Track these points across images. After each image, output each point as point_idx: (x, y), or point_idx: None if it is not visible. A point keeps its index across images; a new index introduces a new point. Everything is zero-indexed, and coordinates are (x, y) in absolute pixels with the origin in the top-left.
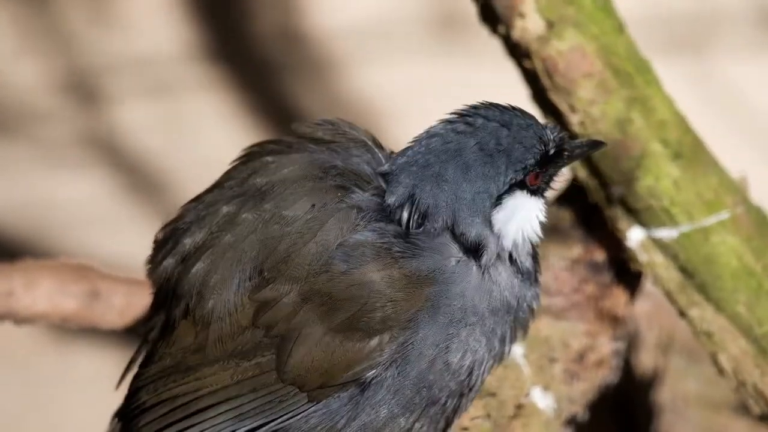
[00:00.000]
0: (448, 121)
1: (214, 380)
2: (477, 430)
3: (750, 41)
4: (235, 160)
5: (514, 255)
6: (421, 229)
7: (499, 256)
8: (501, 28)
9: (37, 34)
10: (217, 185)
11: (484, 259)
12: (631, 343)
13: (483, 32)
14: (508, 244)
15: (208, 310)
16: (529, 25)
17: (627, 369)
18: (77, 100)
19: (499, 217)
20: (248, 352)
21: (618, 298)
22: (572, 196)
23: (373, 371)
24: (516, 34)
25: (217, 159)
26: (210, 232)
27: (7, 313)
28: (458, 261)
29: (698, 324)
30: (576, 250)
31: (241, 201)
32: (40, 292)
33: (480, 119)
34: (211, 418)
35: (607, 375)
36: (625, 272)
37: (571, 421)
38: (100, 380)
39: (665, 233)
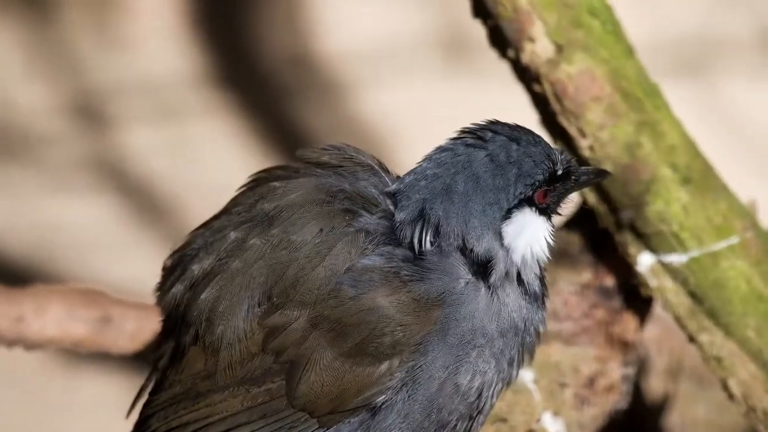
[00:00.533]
0: (457, 137)
1: (224, 407)
2: None
3: (756, 66)
4: (242, 186)
5: (523, 274)
6: (432, 247)
7: (507, 274)
8: (510, 52)
9: (45, 58)
10: (225, 211)
11: (493, 278)
12: (641, 368)
13: (491, 55)
14: (517, 259)
15: (218, 337)
16: (539, 48)
17: (637, 394)
18: (84, 124)
19: (509, 230)
20: (258, 378)
21: (628, 324)
22: (582, 220)
23: (384, 396)
24: (525, 57)
25: (224, 183)
26: (218, 258)
27: (17, 338)
28: (467, 282)
29: (708, 349)
30: (586, 275)
31: (249, 227)
32: (50, 317)
33: (489, 133)
34: None
35: (617, 400)
36: (635, 297)
37: None
38: (107, 407)
39: (675, 258)
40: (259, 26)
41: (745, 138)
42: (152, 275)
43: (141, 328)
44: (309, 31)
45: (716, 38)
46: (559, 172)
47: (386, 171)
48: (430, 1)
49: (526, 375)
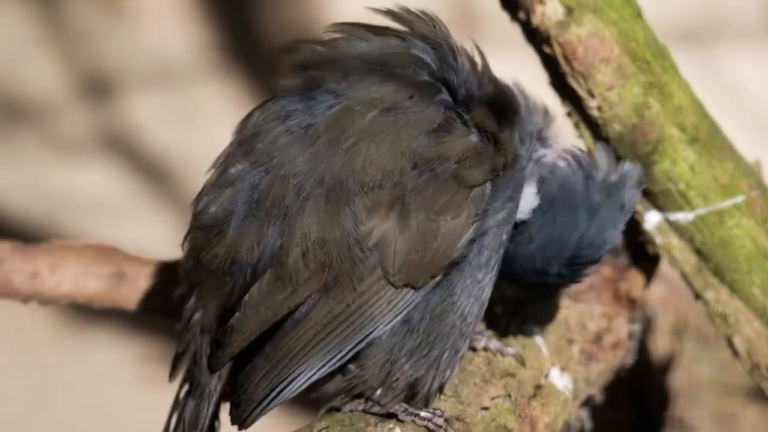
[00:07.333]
0: None
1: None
2: (497, 410)
3: (758, 36)
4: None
5: None
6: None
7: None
8: (521, 14)
9: (52, 30)
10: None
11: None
12: (647, 327)
13: (503, 22)
14: None
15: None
16: (549, 11)
17: (642, 353)
18: (91, 93)
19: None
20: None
21: (635, 281)
22: None
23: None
24: (535, 19)
25: None
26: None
27: (32, 293)
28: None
29: (713, 306)
30: None
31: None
32: (65, 273)
33: None
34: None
35: (623, 356)
36: (642, 256)
37: (588, 402)
38: (120, 368)
39: (681, 216)
40: None
41: (746, 109)
42: (160, 240)
43: (154, 284)
44: (316, 1)
45: (719, 8)
46: None
47: None
48: None
49: (535, 330)
